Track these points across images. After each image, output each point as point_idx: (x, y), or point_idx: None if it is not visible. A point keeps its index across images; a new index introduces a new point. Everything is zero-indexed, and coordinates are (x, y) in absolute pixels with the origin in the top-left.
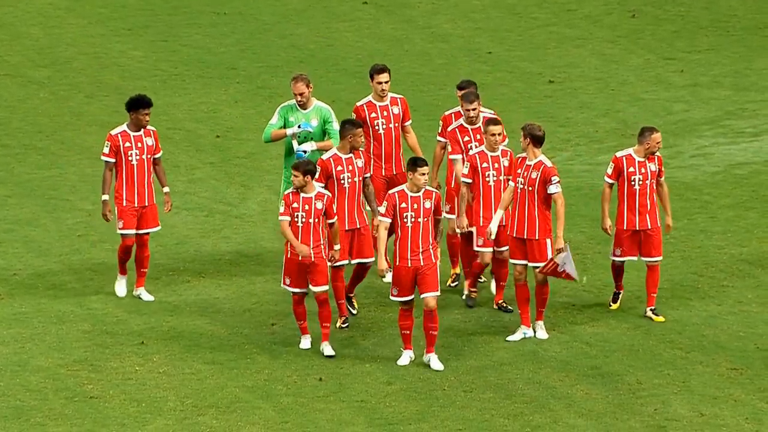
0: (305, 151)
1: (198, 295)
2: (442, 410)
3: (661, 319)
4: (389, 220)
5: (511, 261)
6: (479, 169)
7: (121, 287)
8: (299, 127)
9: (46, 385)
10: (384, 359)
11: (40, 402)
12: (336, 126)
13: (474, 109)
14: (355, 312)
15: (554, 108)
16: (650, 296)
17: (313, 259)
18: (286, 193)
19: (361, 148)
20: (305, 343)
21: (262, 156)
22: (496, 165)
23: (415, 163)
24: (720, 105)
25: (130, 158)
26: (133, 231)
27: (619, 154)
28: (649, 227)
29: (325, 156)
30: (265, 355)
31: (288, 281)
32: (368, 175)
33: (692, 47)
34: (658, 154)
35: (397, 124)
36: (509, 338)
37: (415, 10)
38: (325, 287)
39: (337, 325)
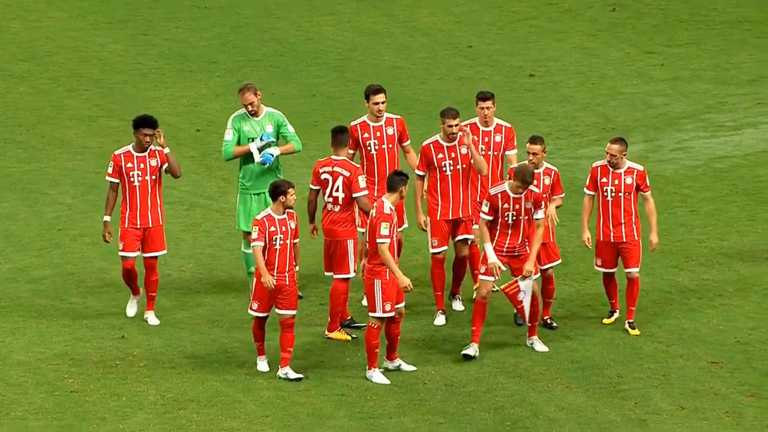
0: (272, 155)
1: (178, 289)
2: (423, 404)
3: (636, 332)
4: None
5: (485, 278)
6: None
7: (131, 308)
8: (261, 139)
9: (27, 379)
10: (364, 353)
11: (21, 396)
12: (291, 129)
13: (457, 125)
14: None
15: (535, 102)
16: (629, 309)
17: (287, 283)
18: (259, 218)
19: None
20: (262, 365)
21: None
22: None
23: (402, 174)
24: (700, 99)
25: (131, 179)
26: (134, 254)
27: (595, 163)
28: (624, 240)
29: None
30: (245, 349)
31: (256, 306)
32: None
33: (672, 41)
34: (639, 168)
35: (391, 145)
36: (466, 352)
37: (395, 4)
38: (293, 312)
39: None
